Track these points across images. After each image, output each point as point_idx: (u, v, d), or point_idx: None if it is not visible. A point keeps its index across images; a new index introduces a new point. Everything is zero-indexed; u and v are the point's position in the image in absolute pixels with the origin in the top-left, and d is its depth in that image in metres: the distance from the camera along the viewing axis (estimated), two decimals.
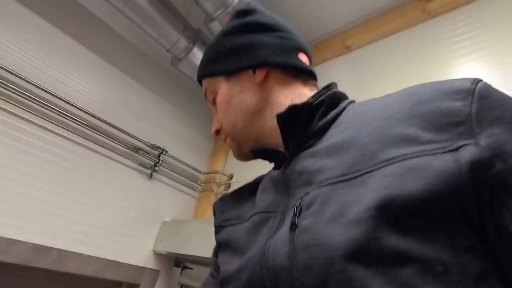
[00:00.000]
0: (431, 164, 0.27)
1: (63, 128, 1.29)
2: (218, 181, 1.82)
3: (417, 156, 0.28)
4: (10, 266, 1.09)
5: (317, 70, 0.53)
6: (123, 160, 1.51)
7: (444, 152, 0.27)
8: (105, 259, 1.34)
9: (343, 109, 0.42)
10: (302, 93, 0.46)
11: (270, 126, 0.45)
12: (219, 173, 1.84)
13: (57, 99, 1.27)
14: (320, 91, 0.43)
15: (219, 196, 1.76)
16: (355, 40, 1.61)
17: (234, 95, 0.47)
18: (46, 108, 1.23)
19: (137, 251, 1.50)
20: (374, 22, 1.55)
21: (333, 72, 1.64)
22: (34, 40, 1.26)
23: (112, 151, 1.46)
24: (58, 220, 1.23)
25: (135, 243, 1.50)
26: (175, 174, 1.73)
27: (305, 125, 0.41)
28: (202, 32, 1.56)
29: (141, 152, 1.56)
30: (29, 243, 1.13)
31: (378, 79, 1.42)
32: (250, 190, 0.49)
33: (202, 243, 1.34)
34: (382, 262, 0.26)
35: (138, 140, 1.56)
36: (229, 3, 1.28)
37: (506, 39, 1.10)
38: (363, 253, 0.26)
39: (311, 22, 1.67)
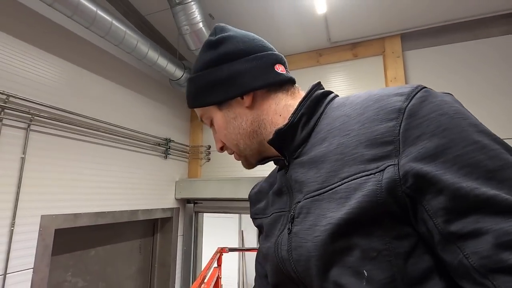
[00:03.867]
0: (365, 186, 0.35)
1: (118, 142, 2.13)
2: (201, 152, 2.93)
3: (360, 177, 0.36)
4: (106, 225, 2.04)
5: None
6: (152, 152, 2.44)
7: (376, 173, 0.35)
8: (148, 209, 2.41)
9: (322, 113, 0.47)
10: (287, 105, 0.50)
11: (267, 141, 0.49)
12: (201, 146, 2.93)
13: (114, 126, 2.06)
14: (299, 105, 0.47)
15: (203, 161, 2.92)
16: None
17: (230, 122, 0.51)
18: (114, 134, 2.04)
19: (166, 200, 2.60)
20: (294, 57, 2.70)
21: None
22: (89, 89, 1.94)
23: (145, 148, 2.36)
24: (120, 195, 2.19)
25: (164, 196, 2.59)
26: (176, 151, 2.74)
27: (293, 138, 0.47)
28: None
29: (160, 145, 2.50)
30: (117, 211, 2.10)
31: None
32: (268, 185, 0.59)
33: (200, 190, 2.57)
34: (337, 255, 0.37)
35: (157, 138, 2.47)
36: None
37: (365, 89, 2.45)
38: (325, 253, 0.37)
39: None
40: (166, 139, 2.58)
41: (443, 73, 2.26)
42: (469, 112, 0.35)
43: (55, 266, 1.73)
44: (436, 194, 0.31)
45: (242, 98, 0.50)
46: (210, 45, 0.52)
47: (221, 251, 2.21)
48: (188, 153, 2.95)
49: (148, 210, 2.36)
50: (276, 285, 0.50)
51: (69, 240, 1.84)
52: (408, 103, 0.35)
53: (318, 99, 0.48)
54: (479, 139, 0.31)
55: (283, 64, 0.53)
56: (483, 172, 0.30)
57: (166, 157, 2.60)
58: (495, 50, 2.18)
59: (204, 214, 2.95)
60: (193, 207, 2.77)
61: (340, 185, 0.37)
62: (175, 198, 2.70)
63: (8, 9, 1.49)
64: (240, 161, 0.56)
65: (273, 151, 0.51)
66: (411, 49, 2.38)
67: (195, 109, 0.56)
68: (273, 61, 0.51)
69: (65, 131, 1.72)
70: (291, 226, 0.44)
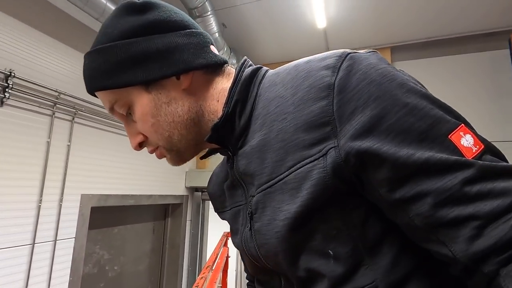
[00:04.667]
0: (312, 174, 0.34)
1: None
2: None
3: (305, 164, 0.35)
4: (127, 207, 2.34)
5: None
6: None
7: (320, 157, 0.34)
8: (162, 194, 2.71)
9: (256, 94, 0.43)
10: (223, 88, 0.45)
11: (206, 131, 0.44)
12: None
13: None
14: (230, 91, 0.42)
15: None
16: None
17: (162, 107, 0.42)
18: None
19: (177, 188, 2.90)
20: None
21: None
22: None
23: None
24: (141, 181, 2.48)
25: (176, 184, 2.89)
26: None
27: (232, 129, 0.43)
28: None
29: None
30: (137, 194, 2.39)
31: None
32: (224, 173, 0.53)
33: (208, 180, 2.88)
34: (301, 244, 0.37)
35: None
36: None
37: None
38: (289, 246, 0.37)
39: (254, 55, 2.97)
40: None
41: (428, 82, 2.57)
42: (394, 69, 0.35)
43: (88, 239, 2.03)
44: (378, 167, 0.32)
45: (179, 79, 0.42)
46: (133, 9, 0.42)
47: (227, 235, 2.49)
48: None
49: (162, 195, 2.66)
50: (255, 273, 0.50)
51: (99, 218, 2.13)
52: (336, 77, 0.34)
53: (248, 81, 0.43)
54: (408, 100, 0.32)
55: (214, 45, 0.47)
56: (416, 135, 0.31)
57: None
58: (472, 64, 2.51)
59: (211, 203, 3.25)
60: (200, 195, 3.08)
61: (288, 174, 0.37)
62: (185, 186, 3.00)
63: (58, 20, 1.77)
64: (167, 158, 0.47)
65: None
66: (399, 60, 2.69)
67: (100, 93, 0.43)
68: (209, 40, 0.45)
69: (100, 124, 2.01)
70: (251, 223, 0.42)
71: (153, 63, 0.41)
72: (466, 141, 0.31)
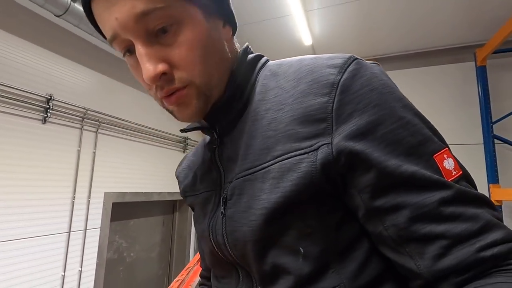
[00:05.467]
0: (299, 166, 0.34)
1: (151, 141, 2.79)
2: None
3: (293, 156, 0.34)
4: (141, 202, 2.71)
5: None
6: (174, 148, 3.10)
7: (310, 152, 0.34)
8: (170, 191, 3.08)
9: (255, 81, 0.43)
10: (237, 58, 0.44)
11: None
12: None
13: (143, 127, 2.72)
14: (232, 76, 0.42)
15: None
16: None
17: (215, 42, 0.38)
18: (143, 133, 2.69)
19: None
20: None
21: None
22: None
23: (170, 145, 3.02)
24: (152, 180, 2.85)
25: None
26: (193, 147, 3.41)
27: (227, 111, 0.42)
28: None
29: (180, 142, 3.16)
30: (148, 192, 2.76)
31: None
32: (198, 159, 0.52)
33: None
34: (273, 237, 0.36)
35: (179, 137, 3.13)
36: None
37: None
38: (262, 237, 0.36)
39: None
40: (185, 138, 3.24)
41: (406, 91, 2.87)
42: (394, 83, 0.36)
43: (110, 229, 2.42)
44: (365, 172, 0.32)
45: (224, 27, 0.41)
46: None
47: None
48: None
49: (170, 193, 3.04)
50: (212, 265, 0.49)
51: (118, 212, 2.52)
52: (341, 77, 0.34)
53: (250, 66, 0.44)
54: (404, 114, 0.33)
55: None
56: (405, 149, 0.32)
57: (184, 151, 3.26)
58: (445, 75, 2.81)
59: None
60: None
61: (273, 164, 0.36)
62: None
63: (83, 47, 2.13)
64: (187, 105, 0.39)
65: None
66: None
67: None
68: None
69: (118, 133, 2.38)
70: (225, 208, 0.41)
71: None
72: (448, 164, 0.32)
